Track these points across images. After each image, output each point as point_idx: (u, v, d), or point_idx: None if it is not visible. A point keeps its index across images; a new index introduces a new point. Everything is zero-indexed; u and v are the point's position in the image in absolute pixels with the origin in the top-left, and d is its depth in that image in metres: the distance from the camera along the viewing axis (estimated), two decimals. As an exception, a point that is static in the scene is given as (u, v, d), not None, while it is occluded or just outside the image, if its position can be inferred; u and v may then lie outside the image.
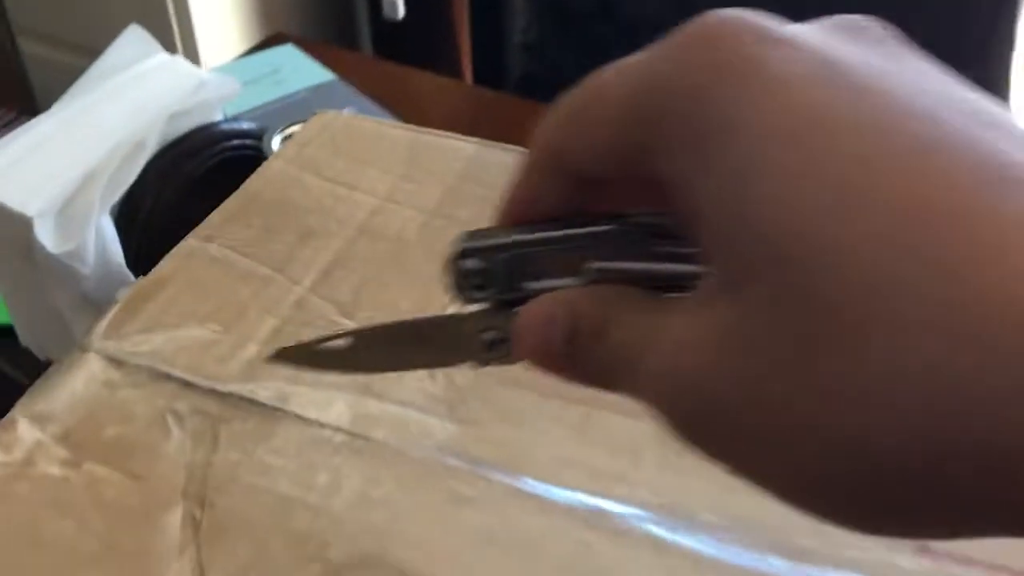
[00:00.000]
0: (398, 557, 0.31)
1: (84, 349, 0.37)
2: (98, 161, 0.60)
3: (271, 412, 0.35)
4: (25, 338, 0.66)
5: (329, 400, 0.35)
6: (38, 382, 0.36)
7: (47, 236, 0.58)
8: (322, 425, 0.35)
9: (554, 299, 0.21)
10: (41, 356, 0.66)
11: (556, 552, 0.31)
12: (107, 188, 0.60)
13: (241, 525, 0.31)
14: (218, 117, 0.66)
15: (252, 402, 0.35)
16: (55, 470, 0.33)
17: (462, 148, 0.48)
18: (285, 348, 0.25)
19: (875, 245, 0.15)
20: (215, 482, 0.33)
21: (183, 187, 0.66)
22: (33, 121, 0.61)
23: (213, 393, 0.35)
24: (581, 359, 0.20)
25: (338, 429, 0.35)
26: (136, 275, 0.65)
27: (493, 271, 0.22)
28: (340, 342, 0.25)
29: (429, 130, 0.50)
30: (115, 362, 0.36)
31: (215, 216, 0.44)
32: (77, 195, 0.59)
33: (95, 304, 0.63)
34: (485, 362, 0.23)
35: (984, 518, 0.16)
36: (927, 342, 0.15)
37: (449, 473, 0.33)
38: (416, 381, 0.36)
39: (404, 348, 0.25)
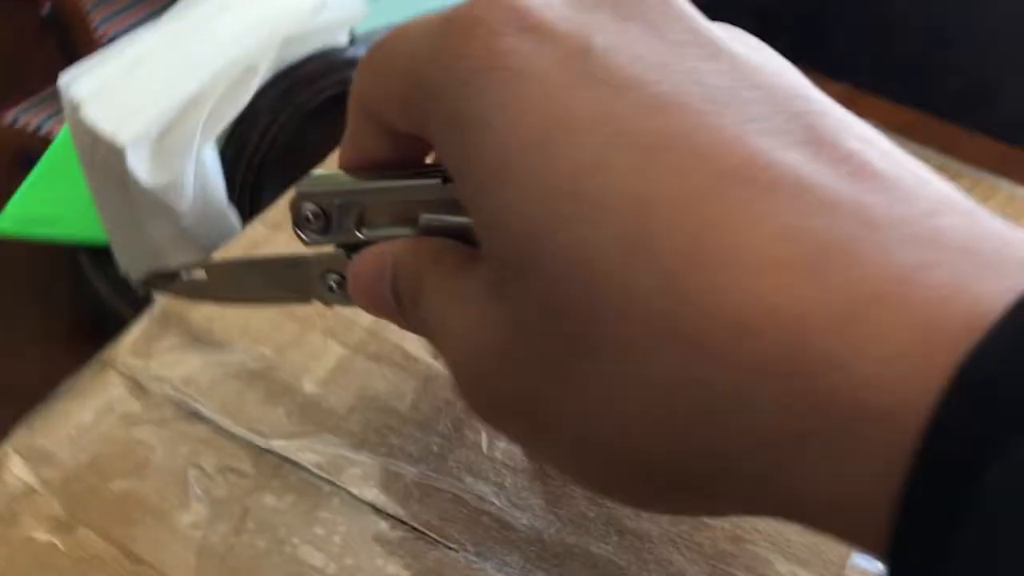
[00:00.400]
0: None
1: (105, 366, 0.30)
2: (203, 86, 0.53)
3: (317, 486, 0.27)
4: (124, 265, 0.61)
5: (394, 473, 0.27)
6: (44, 405, 0.29)
7: (141, 167, 0.52)
8: (377, 510, 0.27)
9: (381, 253, 0.22)
10: (139, 289, 0.61)
11: None
12: (211, 117, 0.53)
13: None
14: (341, 41, 0.58)
15: (296, 466, 0.28)
16: (41, 535, 0.26)
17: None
18: (154, 273, 0.27)
19: (604, 253, 0.15)
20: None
21: (297, 119, 0.58)
22: (133, 35, 0.55)
23: (250, 448, 0.28)
24: (404, 316, 0.21)
25: (396, 520, 0.27)
26: (241, 215, 0.59)
27: (329, 217, 0.22)
28: (199, 275, 0.26)
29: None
30: (138, 389, 0.29)
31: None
32: (177, 123, 0.52)
33: (195, 241, 0.58)
34: (328, 303, 0.25)
35: (734, 505, 0.17)
36: (652, 352, 0.15)
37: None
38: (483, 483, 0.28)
39: (257, 283, 0.26)
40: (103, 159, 0.53)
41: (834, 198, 0.15)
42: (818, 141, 0.16)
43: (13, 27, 1.63)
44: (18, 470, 0.27)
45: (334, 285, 0.24)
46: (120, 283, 0.64)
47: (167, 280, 0.27)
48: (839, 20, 1.06)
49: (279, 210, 0.35)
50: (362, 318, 0.31)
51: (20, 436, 0.28)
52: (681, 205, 0.15)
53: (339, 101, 0.58)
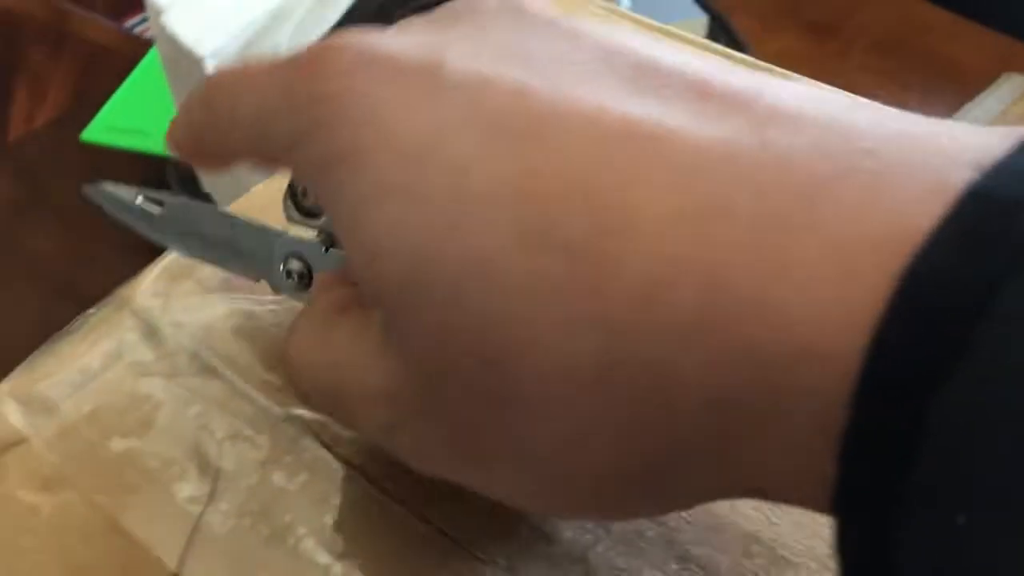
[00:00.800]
0: None
1: (121, 304, 0.27)
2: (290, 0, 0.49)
3: (334, 469, 0.24)
4: (205, 183, 0.59)
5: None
6: (50, 344, 0.26)
7: (222, 80, 0.49)
8: (399, 501, 0.23)
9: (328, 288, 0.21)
10: (220, 204, 0.59)
11: None
12: (297, 31, 0.50)
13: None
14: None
15: (315, 441, 0.24)
16: (27, 495, 0.23)
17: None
18: (106, 191, 0.25)
19: (501, 251, 0.15)
20: (222, 563, 0.22)
21: (392, 38, 0.54)
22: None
23: (267, 415, 0.25)
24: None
25: (421, 518, 0.23)
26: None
27: None
28: (155, 207, 0.24)
29: (722, 48, 0.35)
30: (152, 335, 0.26)
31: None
32: (261, 37, 0.49)
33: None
34: (277, 290, 0.23)
35: (692, 495, 0.17)
36: (570, 349, 0.14)
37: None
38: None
39: (212, 239, 0.24)
40: (184, 70, 0.50)
41: (710, 140, 0.14)
42: (702, 94, 0.15)
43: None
44: (10, 415, 0.24)
45: (293, 273, 0.22)
46: (203, 196, 0.62)
47: (117, 203, 0.24)
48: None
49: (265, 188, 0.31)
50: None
51: (19, 378, 0.25)
52: (567, 180, 0.15)
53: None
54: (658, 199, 0.14)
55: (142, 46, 1.05)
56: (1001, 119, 0.65)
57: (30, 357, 0.26)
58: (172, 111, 0.61)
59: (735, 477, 0.15)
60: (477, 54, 0.17)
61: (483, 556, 0.22)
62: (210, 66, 0.48)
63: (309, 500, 0.23)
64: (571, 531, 0.23)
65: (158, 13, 0.49)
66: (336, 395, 0.19)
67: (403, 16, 0.57)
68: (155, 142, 0.63)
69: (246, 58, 0.20)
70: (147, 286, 0.27)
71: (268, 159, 0.20)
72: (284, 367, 0.21)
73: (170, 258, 0.28)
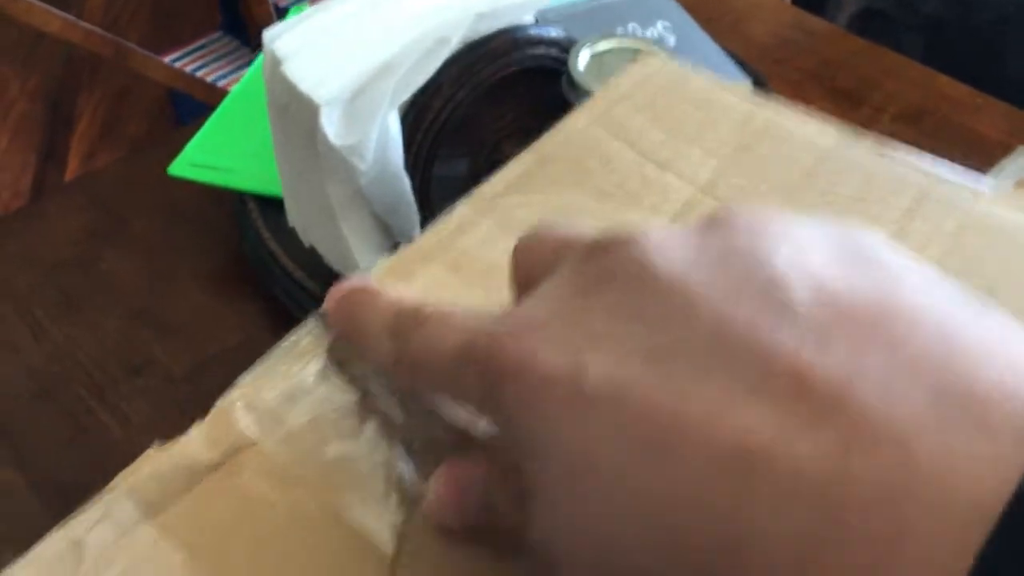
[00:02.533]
0: None
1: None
2: (396, 53, 0.54)
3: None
4: (293, 219, 0.63)
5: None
6: (268, 359, 0.30)
7: (331, 126, 0.53)
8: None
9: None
10: (305, 241, 0.63)
11: None
12: (400, 83, 0.54)
13: None
14: (527, 20, 0.58)
15: (499, 451, 0.28)
16: (263, 486, 0.27)
17: (816, 138, 0.38)
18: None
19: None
20: (429, 551, 0.26)
21: (478, 92, 0.59)
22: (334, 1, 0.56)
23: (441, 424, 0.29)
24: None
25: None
26: (412, 180, 0.60)
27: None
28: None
29: (775, 104, 0.40)
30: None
31: (498, 181, 0.36)
32: (368, 87, 0.54)
33: (368, 203, 0.59)
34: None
35: None
36: None
37: None
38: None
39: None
40: (295, 115, 0.55)
41: (805, 461, 0.16)
42: (798, 394, 0.17)
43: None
44: (240, 419, 0.29)
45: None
46: (284, 232, 0.66)
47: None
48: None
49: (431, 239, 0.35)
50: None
51: (245, 388, 0.29)
52: (692, 494, 0.17)
53: (519, 78, 0.59)
54: (766, 517, 0.16)
55: (205, 88, 1.09)
56: (1019, 186, 0.71)
57: (251, 370, 0.30)
58: (257, 152, 0.65)
59: None
60: (616, 359, 0.19)
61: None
62: (324, 113, 0.52)
63: (502, 501, 0.27)
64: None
65: (276, 62, 0.53)
66: None
67: (494, 72, 0.61)
68: (237, 178, 0.67)
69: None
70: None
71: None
72: None
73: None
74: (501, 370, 0.20)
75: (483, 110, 0.60)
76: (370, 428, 0.29)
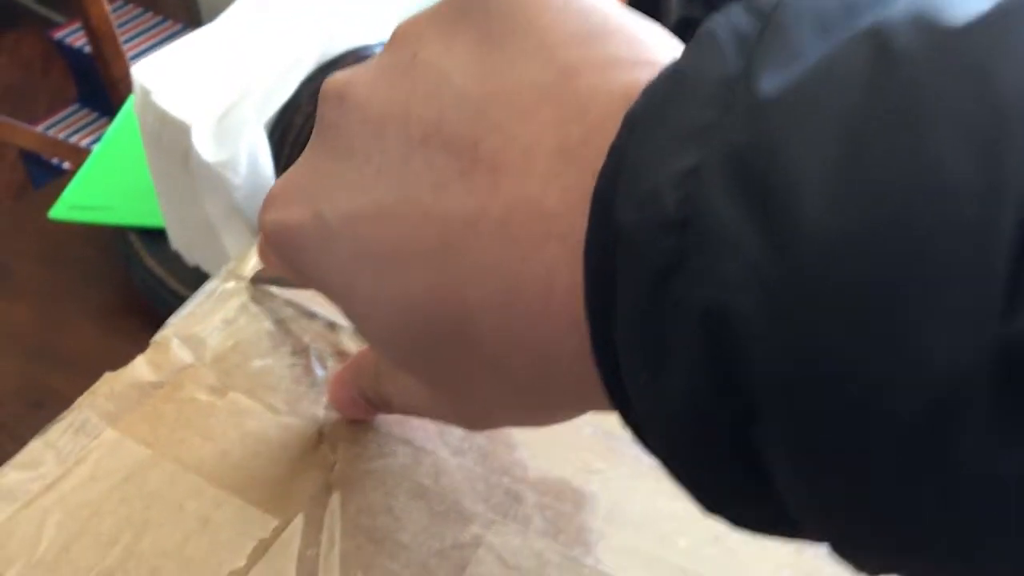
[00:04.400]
0: (531, 520, 0.31)
1: (238, 277, 0.38)
2: (257, 75, 0.61)
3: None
4: (176, 242, 0.68)
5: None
6: (191, 304, 0.36)
7: (203, 145, 0.60)
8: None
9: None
10: (190, 261, 0.68)
11: (689, 534, 0.31)
12: (262, 102, 0.61)
13: (374, 472, 0.32)
14: (373, 41, 0.66)
15: (393, 347, 0.35)
16: (202, 395, 0.34)
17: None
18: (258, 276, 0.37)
19: None
20: (352, 426, 0.33)
21: (335, 107, 0.66)
22: (196, 33, 0.62)
23: (358, 337, 0.36)
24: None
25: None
26: (284, 190, 0.66)
27: None
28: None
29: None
30: (265, 295, 0.37)
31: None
32: (234, 107, 0.60)
33: (245, 215, 0.65)
34: None
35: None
36: None
37: (581, 443, 0.33)
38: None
39: None
40: (169, 139, 0.60)
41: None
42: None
43: (19, 61, 1.70)
44: (177, 351, 0.35)
45: None
46: (168, 257, 0.71)
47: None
48: None
49: None
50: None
51: (176, 325, 0.35)
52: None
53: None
54: (468, 269, 0.21)
55: (70, 150, 1.13)
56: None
57: (180, 311, 0.36)
58: (135, 188, 0.70)
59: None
60: (344, 197, 0.23)
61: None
62: (195, 133, 0.58)
63: (438, 426, 0.34)
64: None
65: (147, 93, 0.59)
66: None
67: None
68: (118, 215, 0.72)
69: None
70: (254, 263, 0.38)
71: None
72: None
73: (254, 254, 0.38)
74: (272, 242, 0.25)
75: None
76: (287, 344, 0.35)
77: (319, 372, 0.35)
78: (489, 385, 0.22)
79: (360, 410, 0.32)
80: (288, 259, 0.25)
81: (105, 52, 0.99)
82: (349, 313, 0.25)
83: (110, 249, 0.75)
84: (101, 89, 1.06)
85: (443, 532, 0.30)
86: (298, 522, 0.30)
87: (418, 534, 0.30)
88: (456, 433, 0.33)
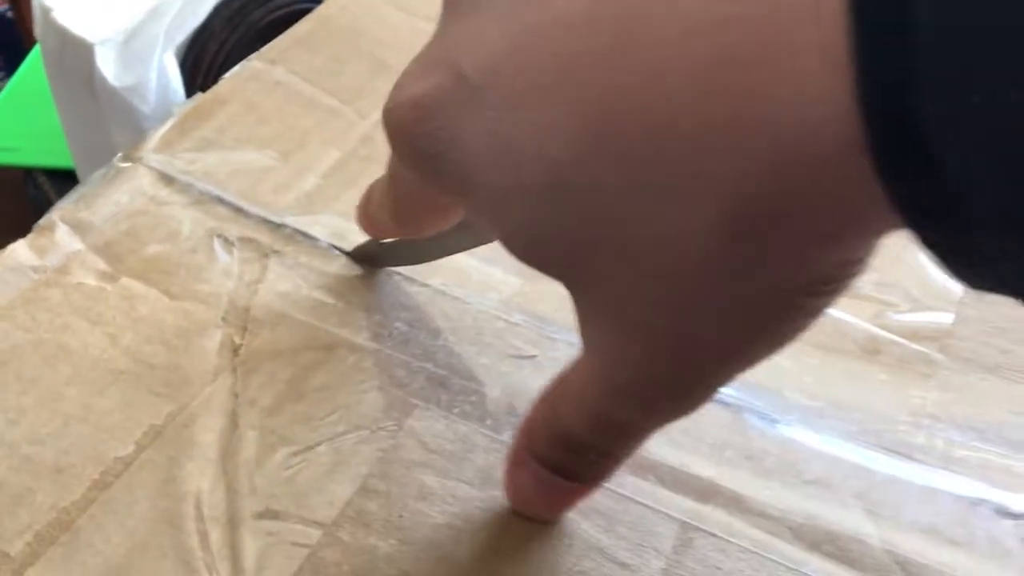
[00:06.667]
0: (454, 406, 0.28)
1: (133, 160, 0.34)
2: (166, -4, 0.57)
3: (326, 250, 0.32)
4: (84, 175, 0.64)
5: (388, 242, 0.32)
6: (81, 188, 0.33)
7: (108, 67, 0.56)
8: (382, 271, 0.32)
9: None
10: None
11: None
12: (172, 25, 0.57)
13: (283, 357, 0.29)
14: (294, -35, 0.63)
15: (307, 237, 0.32)
16: (90, 280, 0.30)
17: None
18: (359, 246, 0.32)
19: None
20: (259, 312, 0.30)
21: (250, 34, 0.62)
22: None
23: (266, 223, 0.33)
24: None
25: (394, 272, 0.32)
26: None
27: None
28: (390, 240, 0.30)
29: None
30: (164, 178, 0.34)
31: (283, 39, 0.40)
32: (141, 28, 0.56)
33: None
34: None
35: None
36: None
37: (511, 329, 0.30)
38: (485, 231, 0.33)
39: (453, 234, 0.27)
40: (71, 62, 0.56)
41: None
42: None
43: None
44: (63, 236, 0.31)
45: None
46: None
47: (370, 247, 0.31)
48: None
49: (227, 85, 0.39)
50: (356, 129, 0.36)
51: (63, 209, 0.32)
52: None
53: (291, 19, 0.63)
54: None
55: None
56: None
57: (69, 195, 0.32)
58: (41, 128, 0.66)
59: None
60: (482, 46, 0.18)
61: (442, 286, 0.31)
62: (99, 54, 0.54)
63: (311, 273, 0.31)
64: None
65: (47, 11, 0.55)
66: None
67: (263, 16, 0.65)
68: (25, 156, 0.67)
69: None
70: (151, 147, 0.34)
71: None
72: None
73: (164, 129, 0.35)
74: (404, 133, 0.20)
75: (254, 51, 0.63)
76: (188, 228, 0.32)
77: (223, 258, 0.31)
78: (708, 255, 0.16)
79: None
80: (423, 148, 0.20)
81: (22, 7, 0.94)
82: (492, 198, 0.19)
83: (17, 193, 0.71)
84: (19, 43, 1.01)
85: (359, 418, 0.27)
86: (196, 407, 0.27)
87: (329, 417, 0.27)
88: (373, 319, 0.30)
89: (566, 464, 0.24)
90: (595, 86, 0.16)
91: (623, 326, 0.19)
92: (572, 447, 0.23)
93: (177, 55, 0.60)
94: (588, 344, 0.21)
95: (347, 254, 0.32)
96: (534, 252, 0.20)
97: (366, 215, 0.29)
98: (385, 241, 0.31)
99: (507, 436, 0.27)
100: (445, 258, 0.31)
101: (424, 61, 0.20)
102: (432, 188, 0.22)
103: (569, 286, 0.20)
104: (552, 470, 0.24)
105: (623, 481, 0.27)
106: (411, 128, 0.20)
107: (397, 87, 0.20)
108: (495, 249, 0.33)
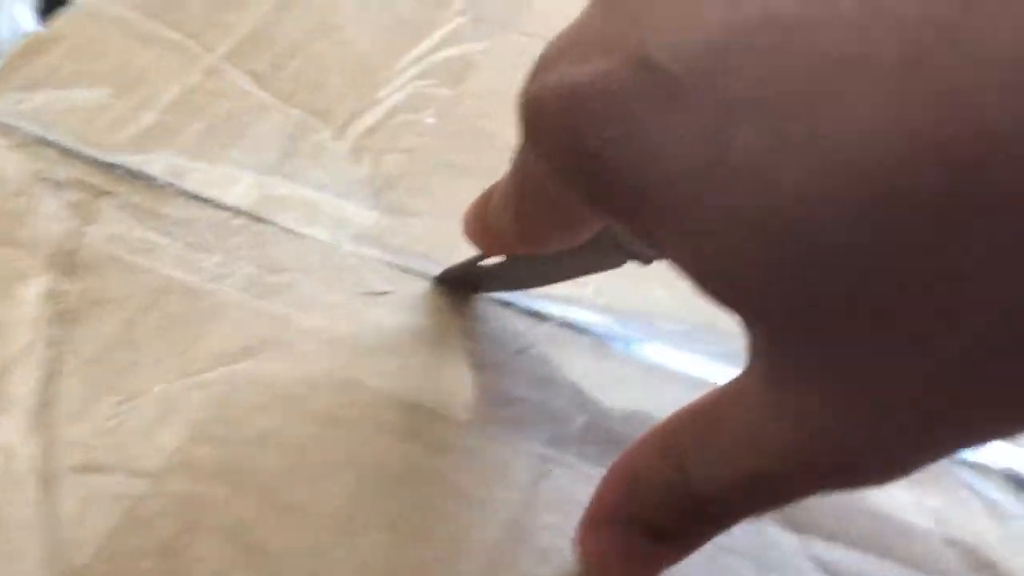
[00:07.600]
0: (296, 346, 0.26)
1: (-45, 102, 0.31)
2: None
3: (162, 188, 0.30)
4: None
5: (232, 178, 0.30)
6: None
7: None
8: (219, 206, 0.30)
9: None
10: None
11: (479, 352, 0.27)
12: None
13: (111, 303, 0.27)
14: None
15: (141, 176, 0.30)
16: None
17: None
18: (452, 267, 0.28)
19: None
20: (88, 256, 0.28)
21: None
22: None
23: (97, 163, 0.30)
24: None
25: (238, 211, 0.30)
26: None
27: None
28: (495, 260, 0.26)
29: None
30: (-11, 122, 0.31)
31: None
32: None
33: None
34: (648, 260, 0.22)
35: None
36: None
37: (363, 264, 0.29)
38: (338, 162, 0.31)
39: (557, 259, 0.24)
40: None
41: None
42: None
43: None
44: None
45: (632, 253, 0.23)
46: None
47: (461, 269, 0.27)
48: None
49: (61, 22, 0.36)
50: (201, 61, 0.34)
51: None
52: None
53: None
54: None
55: None
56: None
57: None
58: None
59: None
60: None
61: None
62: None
63: (144, 215, 0.29)
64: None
65: None
66: None
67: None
68: None
69: None
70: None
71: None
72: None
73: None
74: (551, 123, 0.17)
75: None
76: (23, 176, 0.30)
77: (49, 202, 0.29)
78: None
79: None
80: (579, 146, 0.16)
81: None
82: (689, 218, 0.15)
83: None
84: None
85: (191, 363, 0.26)
86: (10, 358, 0.25)
87: (160, 363, 0.25)
88: (214, 258, 0.28)
89: (676, 531, 0.19)
90: (942, 81, 0.12)
91: (863, 398, 0.15)
92: (706, 518, 0.18)
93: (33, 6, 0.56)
94: (777, 408, 0.16)
95: (438, 279, 0.28)
96: (752, 288, 0.15)
97: (478, 221, 0.24)
98: (484, 263, 0.26)
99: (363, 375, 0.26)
100: (298, 194, 0.29)
101: (581, 39, 0.16)
102: (575, 194, 0.17)
103: (779, 328, 0.15)
104: (652, 537, 0.19)
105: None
106: (566, 121, 0.16)
107: (542, 68, 0.17)
108: (348, 182, 0.32)
